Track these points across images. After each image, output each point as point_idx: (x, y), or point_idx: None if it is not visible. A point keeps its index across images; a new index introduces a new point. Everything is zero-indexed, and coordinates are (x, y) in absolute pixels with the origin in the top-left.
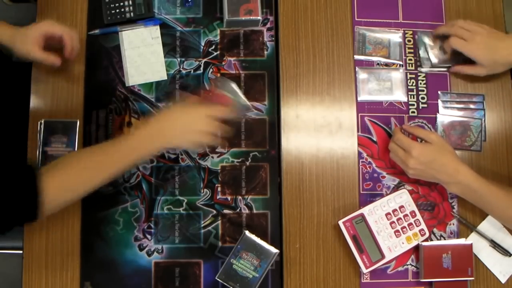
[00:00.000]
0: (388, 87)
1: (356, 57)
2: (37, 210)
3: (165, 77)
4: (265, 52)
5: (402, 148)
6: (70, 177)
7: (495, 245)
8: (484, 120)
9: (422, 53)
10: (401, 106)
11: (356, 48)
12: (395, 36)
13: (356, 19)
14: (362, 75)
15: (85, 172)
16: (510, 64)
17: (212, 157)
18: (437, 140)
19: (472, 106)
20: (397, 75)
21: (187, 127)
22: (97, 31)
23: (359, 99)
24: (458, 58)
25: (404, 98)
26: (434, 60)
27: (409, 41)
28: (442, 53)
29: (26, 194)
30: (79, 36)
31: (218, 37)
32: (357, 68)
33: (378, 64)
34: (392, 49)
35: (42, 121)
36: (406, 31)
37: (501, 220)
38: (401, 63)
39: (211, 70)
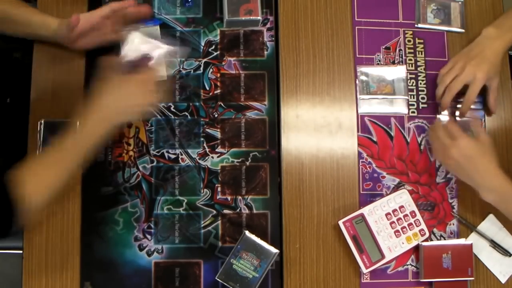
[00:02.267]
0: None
1: (361, 96)
2: (21, 217)
3: (165, 77)
4: (265, 52)
5: (449, 134)
6: (44, 178)
7: (495, 245)
8: (484, 120)
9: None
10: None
11: (360, 88)
12: (398, 72)
13: (356, 19)
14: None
15: (54, 170)
16: None
17: (212, 157)
18: (485, 138)
19: (472, 106)
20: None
21: (128, 102)
22: None
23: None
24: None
25: (404, 111)
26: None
27: (409, 41)
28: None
29: (10, 207)
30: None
31: (218, 37)
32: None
33: (378, 63)
34: (396, 85)
35: (42, 121)
36: (406, 31)
37: None
38: (406, 98)
39: (211, 70)
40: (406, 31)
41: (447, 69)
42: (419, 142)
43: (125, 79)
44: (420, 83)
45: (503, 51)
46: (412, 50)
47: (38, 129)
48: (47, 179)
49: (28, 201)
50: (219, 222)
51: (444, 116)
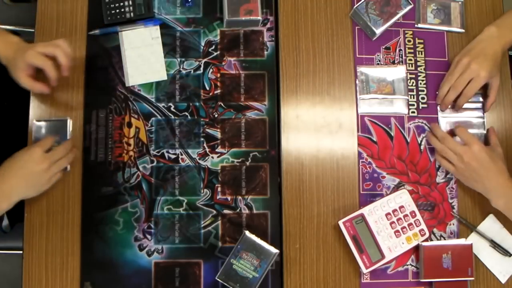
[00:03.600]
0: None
1: (360, 96)
2: None
3: (165, 77)
4: (265, 52)
5: (462, 140)
6: None
7: (495, 245)
8: (484, 118)
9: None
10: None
11: (360, 88)
12: (398, 72)
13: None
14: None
15: None
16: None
17: (212, 157)
18: (495, 143)
19: (472, 106)
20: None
21: (28, 175)
22: (97, 31)
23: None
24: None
25: (404, 111)
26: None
27: (409, 41)
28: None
29: None
30: (79, 36)
31: (218, 37)
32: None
33: (378, 63)
34: (396, 85)
35: (34, 122)
36: (406, 31)
37: None
38: (406, 98)
39: (211, 70)
40: (406, 31)
41: (452, 70)
42: (419, 142)
43: (24, 151)
44: (420, 83)
45: (503, 50)
46: (412, 50)
47: (29, 130)
48: None
49: None
50: (219, 222)
51: (443, 118)
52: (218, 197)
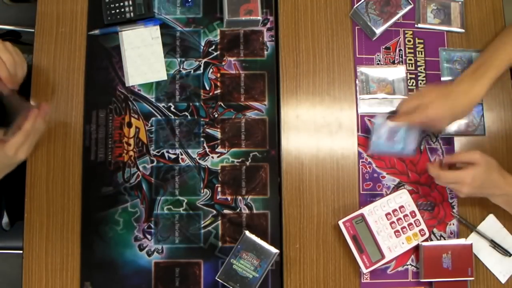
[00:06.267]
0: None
1: (360, 96)
2: None
3: (165, 77)
4: (265, 52)
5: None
6: None
7: (495, 245)
8: (483, 119)
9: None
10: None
11: (360, 88)
12: (398, 72)
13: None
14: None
15: None
16: (470, 106)
17: (212, 157)
18: (481, 159)
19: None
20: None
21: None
22: (97, 31)
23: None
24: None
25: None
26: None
27: (409, 41)
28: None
29: None
30: (79, 36)
31: (218, 37)
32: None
33: (378, 63)
34: (396, 85)
35: None
36: (406, 31)
37: None
38: (406, 98)
39: (211, 70)
40: (406, 31)
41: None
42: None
43: None
44: (420, 83)
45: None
46: (412, 50)
47: None
48: None
49: None
50: (219, 222)
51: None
52: (218, 197)
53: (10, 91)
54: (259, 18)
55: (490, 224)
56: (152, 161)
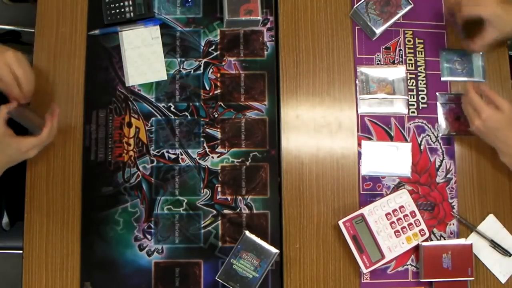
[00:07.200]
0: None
1: (361, 96)
2: None
3: (165, 77)
4: (265, 52)
5: (473, 107)
6: None
7: (495, 245)
8: None
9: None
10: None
11: (360, 88)
12: (398, 72)
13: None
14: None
15: None
16: None
17: (212, 157)
18: (508, 110)
19: None
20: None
21: (10, 156)
22: (97, 31)
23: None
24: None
25: (404, 111)
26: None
27: (409, 41)
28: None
29: None
30: (79, 36)
31: (218, 37)
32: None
33: (378, 63)
34: (396, 85)
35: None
36: (406, 31)
37: None
38: (406, 98)
39: (211, 70)
40: (406, 31)
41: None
42: (419, 142)
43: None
44: (420, 83)
45: None
46: (412, 50)
47: None
48: None
49: None
50: (219, 222)
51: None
52: (218, 197)
53: (20, 106)
54: (259, 18)
55: (490, 224)
56: (152, 161)
